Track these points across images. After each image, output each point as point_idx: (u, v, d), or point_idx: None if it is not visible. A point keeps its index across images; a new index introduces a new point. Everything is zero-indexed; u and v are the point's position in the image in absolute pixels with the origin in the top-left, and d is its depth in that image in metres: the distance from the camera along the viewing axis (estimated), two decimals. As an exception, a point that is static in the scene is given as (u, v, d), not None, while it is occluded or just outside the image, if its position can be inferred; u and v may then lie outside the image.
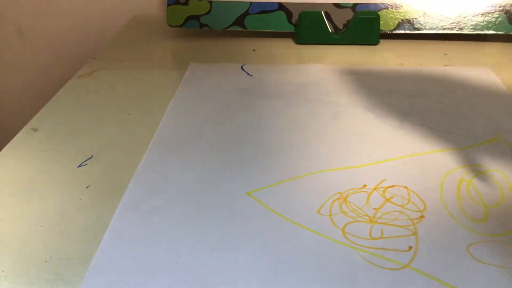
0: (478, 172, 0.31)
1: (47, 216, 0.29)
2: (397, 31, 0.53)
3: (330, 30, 0.53)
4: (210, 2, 0.54)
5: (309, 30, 0.53)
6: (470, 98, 0.40)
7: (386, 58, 0.50)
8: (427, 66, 0.48)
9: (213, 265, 0.25)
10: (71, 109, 0.41)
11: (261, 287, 0.23)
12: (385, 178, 0.31)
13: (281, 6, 0.54)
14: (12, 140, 0.37)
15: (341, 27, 0.54)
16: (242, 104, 0.41)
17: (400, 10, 0.53)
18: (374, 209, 0.28)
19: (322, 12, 0.53)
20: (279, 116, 0.39)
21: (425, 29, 0.52)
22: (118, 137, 0.37)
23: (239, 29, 0.54)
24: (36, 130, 0.38)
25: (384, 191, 0.30)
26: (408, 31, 0.53)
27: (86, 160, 0.34)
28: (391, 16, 0.53)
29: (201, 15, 0.55)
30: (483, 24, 0.51)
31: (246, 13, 0.54)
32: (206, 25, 0.55)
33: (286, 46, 0.54)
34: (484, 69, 0.46)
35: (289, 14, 0.54)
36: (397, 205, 0.28)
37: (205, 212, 0.28)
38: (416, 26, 0.53)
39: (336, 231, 0.27)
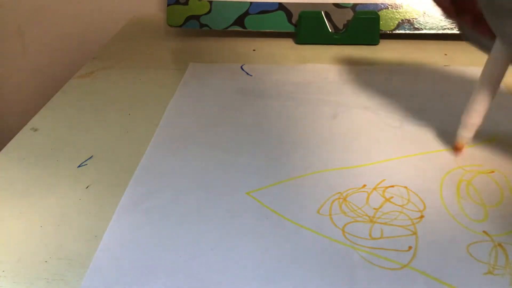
0: (478, 172, 0.31)
1: (47, 216, 0.29)
2: (397, 31, 0.53)
3: (330, 30, 0.53)
4: (210, 2, 0.54)
5: (309, 30, 0.53)
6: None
7: (386, 58, 0.50)
8: (427, 66, 0.48)
9: (213, 265, 0.25)
10: (71, 109, 0.41)
11: (261, 287, 0.23)
12: (385, 178, 0.31)
13: (281, 6, 0.54)
14: (12, 140, 0.37)
15: (341, 27, 0.54)
16: (241, 104, 0.41)
17: (400, 10, 0.53)
18: (374, 209, 0.28)
19: (322, 12, 0.53)
20: (278, 116, 0.39)
21: (425, 29, 0.52)
22: (118, 137, 0.37)
23: (239, 29, 0.55)
24: (36, 130, 0.38)
25: (384, 191, 0.30)
26: (408, 31, 0.53)
27: (86, 160, 0.34)
28: (391, 16, 0.53)
29: (201, 15, 0.55)
30: (483, 24, 0.51)
31: (246, 13, 0.54)
32: (206, 25, 0.55)
33: (286, 46, 0.54)
34: (484, 69, 0.46)
35: (289, 14, 0.54)
36: (397, 205, 0.28)
37: (205, 212, 0.28)
38: (416, 26, 0.53)
39: (336, 231, 0.27)
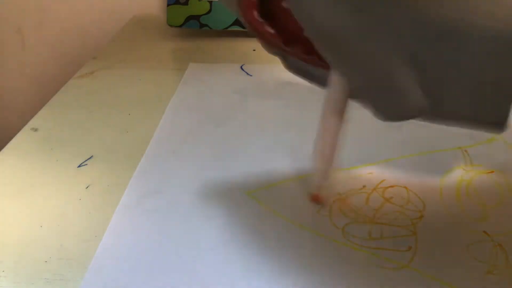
0: (477, 172, 0.31)
1: (47, 216, 0.29)
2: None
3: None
4: (210, 2, 0.54)
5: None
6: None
7: (386, 58, 0.50)
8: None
9: (213, 265, 0.25)
10: (71, 109, 0.41)
11: (260, 287, 0.23)
12: (385, 178, 0.31)
13: (281, 6, 0.54)
14: (12, 140, 0.37)
15: (341, 27, 0.54)
16: (241, 104, 0.41)
17: (400, 10, 0.53)
18: (374, 209, 0.28)
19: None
20: (278, 116, 0.39)
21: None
22: (118, 137, 0.37)
23: (239, 29, 0.55)
24: (36, 130, 0.38)
25: (383, 192, 0.30)
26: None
27: (86, 160, 0.34)
28: (391, 16, 0.53)
29: (201, 15, 0.55)
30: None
31: (246, 13, 0.54)
32: (206, 25, 0.55)
33: (286, 46, 0.54)
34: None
35: (289, 14, 0.54)
36: (397, 205, 0.28)
37: (204, 212, 0.28)
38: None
39: (335, 231, 0.27)
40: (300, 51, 0.25)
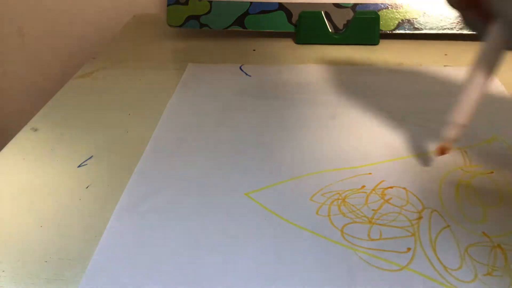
0: (477, 173, 0.31)
1: (47, 216, 0.29)
2: (397, 31, 0.53)
3: (330, 30, 0.53)
4: (210, 2, 0.54)
5: (309, 30, 0.53)
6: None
7: (386, 58, 0.50)
8: (427, 66, 0.48)
9: (212, 266, 0.25)
10: (71, 109, 0.41)
11: (260, 288, 0.23)
12: (384, 179, 0.31)
13: (281, 6, 0.54)
14: (12, 140, 0.37)
15: (341, 27, 0.54)
16: (240, 105, 0.41)
17: (400, 10, 0.53)
18: (373, 210, 0.28)
19: (322, 12, 0.53)
20: (277, 117, 0.39)
21: (425, 29, 0.52)
22: (118, 137, 0.37)
23: (239, 29, 0.55)
24: (36, 130, 0.38)
25: (382, 192, 0.30)
26: (408, 31, 0.53)
27: (86, 160, 0.34)
28: (391, 16, 0.53)
29: (201, 15, 0.55)
30: (483, 24, 0.51)
31: (246, 13, 0.54)
32: (206, 25, 0.55)
33: (286, 46, 0.54)
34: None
35: (289, 14, 0.54)
36: (396, 206, 0.28)
37: (203, 213, 0.28)
38: (416, 26, 0.53)
39: (334, 232, 0.27)
40: (475, 14, 0.27)
